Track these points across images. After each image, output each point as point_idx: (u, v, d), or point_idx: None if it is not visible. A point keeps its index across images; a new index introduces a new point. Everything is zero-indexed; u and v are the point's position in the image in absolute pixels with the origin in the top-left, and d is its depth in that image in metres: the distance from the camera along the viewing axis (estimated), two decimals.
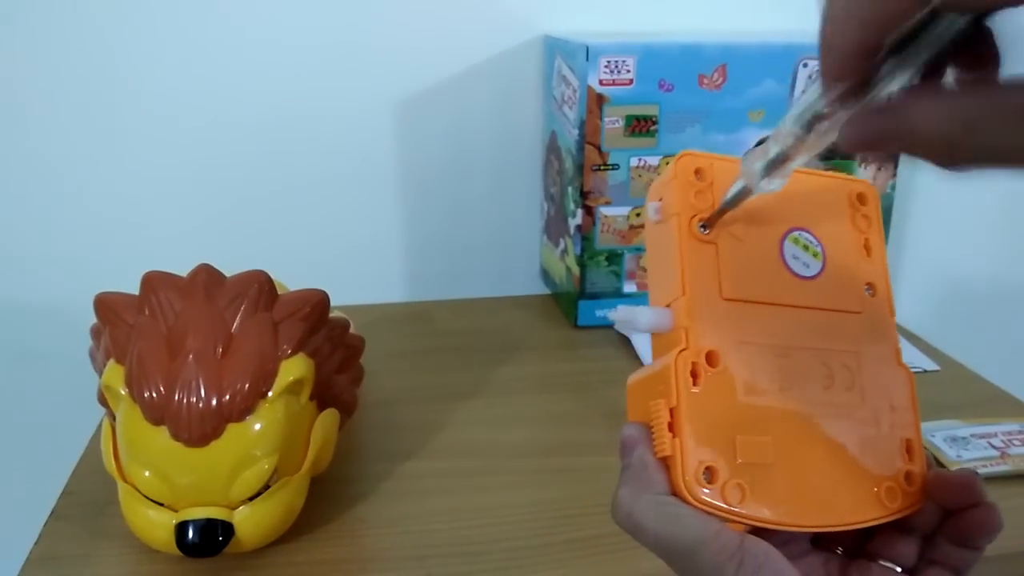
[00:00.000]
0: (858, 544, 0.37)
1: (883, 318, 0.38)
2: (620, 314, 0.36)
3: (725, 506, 0.32)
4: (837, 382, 0.36)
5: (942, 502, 0.35)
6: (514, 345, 0.85)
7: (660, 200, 0.38)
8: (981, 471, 0.62)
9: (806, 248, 0.39)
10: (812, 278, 0.38)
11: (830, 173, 0.40)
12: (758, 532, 0.32)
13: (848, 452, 0.35)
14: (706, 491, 0.32)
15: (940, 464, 0.63)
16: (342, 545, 0.56)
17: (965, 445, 0.65)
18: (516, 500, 0.60)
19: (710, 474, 0.32)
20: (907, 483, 0.36)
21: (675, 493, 0.32)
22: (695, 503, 0.32)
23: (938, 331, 0.88)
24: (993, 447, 0.64)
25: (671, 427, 0.33)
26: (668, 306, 0.36)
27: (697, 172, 0.37)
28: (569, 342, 0.86)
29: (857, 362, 0.37)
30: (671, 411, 0.33)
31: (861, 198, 0.40)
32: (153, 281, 0.54)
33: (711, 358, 0.34)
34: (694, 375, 0.34)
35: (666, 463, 0.33)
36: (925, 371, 0.80)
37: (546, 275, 0.98)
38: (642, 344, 0.82)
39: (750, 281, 0.37)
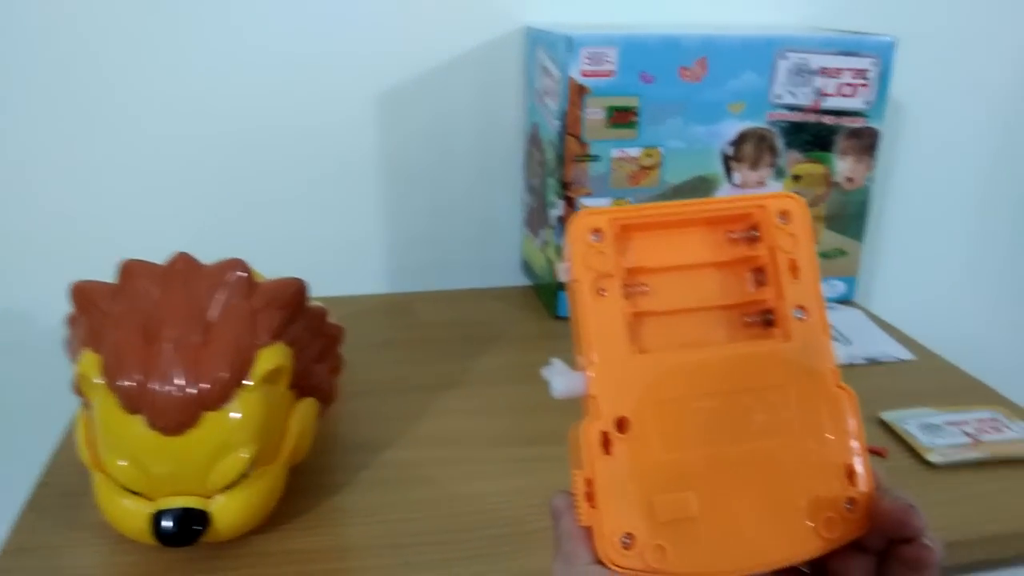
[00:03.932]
0: (818, 562, 0.36)
1: (816, 341, 0.37)
2: (546, 372, 0.36)
3: (647, 568, 0.33)
4: (767, 420, 0.35)
5: (880, 530, 0.35)
6: (495, 336, 0.85)
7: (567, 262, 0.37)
8: (955, 458, 0.63)
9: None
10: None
11: (751, 196, 0.38)
12: None
13: (780, 490, 0.35)
14: (627, 557, 0.33)
15: (916, 452, 0.64)
16: (320, 534, 0.56)
17: (938, 432, 0.66)
18: (494, 489, 0.60)
19: (630, 539, 0.33)
20: (850, 509, 0.35)
21: (599, 561, 0.33)
22: (618, 571, 0.33)
23: (914, 321, 0.89)
24: (966, 434, 0.65)
25: (589, 497, 0.34)
26: (583, 370, 0.35)
27: (595, 231, 0.36)
28: (549, 333, 0.86)
29: (787, 396, 0.36)
30: (587, 481, 0.34)
31: (785, 215, 0.37)
32: (130, 269, 0.54)
33: (622, 425, 0.34)
34: (605, 444, 0.34)
35: (589, 532, 0.33)
36: (900, 360, 0.81)
37: (527, 267, 0.98)
38: None
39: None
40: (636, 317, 0.36)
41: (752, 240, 0.38)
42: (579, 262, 0.36)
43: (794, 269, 0.37)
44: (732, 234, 0.38)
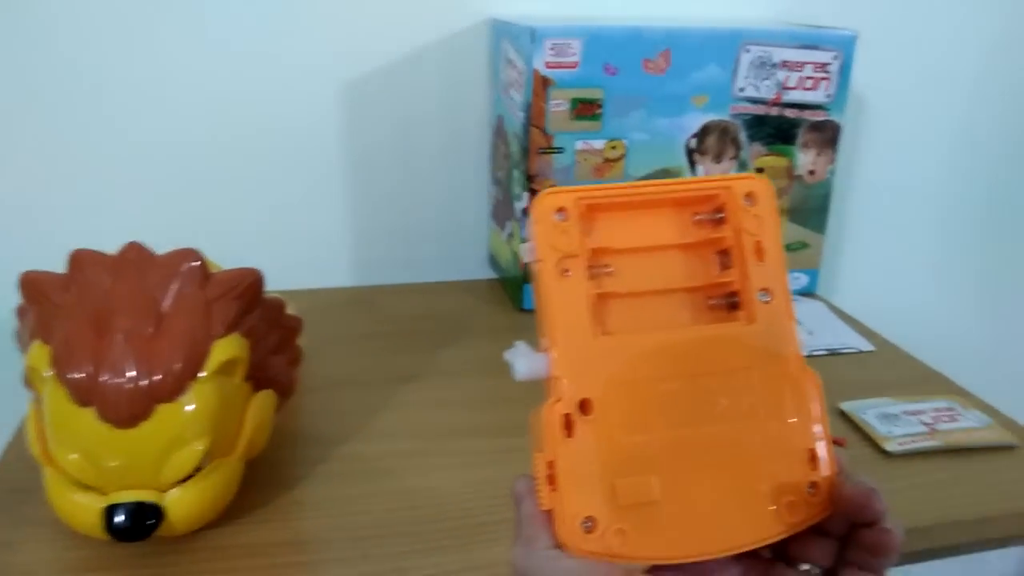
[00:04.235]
0: (780, 546, 0.36)
1: (781, 324, 0.37)
2: (509, 355, 0.35)
3: (608, 552, 0.33)
4: (730, 404, 0.35)
5: (841, 514, 0.35)
6: (459, 329, 0.85)
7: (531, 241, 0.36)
8: (911, 446, 0.63)
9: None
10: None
11: (717, 177, 0.38)
12: (672, 566, 0.34)
13: (742, 474, 0.35)
14: (587, 540, 0.33)
15: (873, 442, 0.65)
16: (278, 528, 0.55)
17: (896, 422, 0.66)
18: (454, 481, 0.60)
19: (591, 523, 0.33)
20: (812, 493, 0.35)
21: (560, 545, 0.33)
22: (578, 554, 0.33)
23: (874, 313, 0.90)
24: (923, 423, 0.66)
25: (550, 480, 0.33)
26: (546, 351, 0.35)
27: (560, 211, 0.35)
28: (515, 326, 0.86)
29: (751, 379, 0.36)
30: (549, 464, 0.33)
31: (751, 197, 0.37)
32: (81, 259, 0.52)
33: (585, 406, 0.34)
34: (568, 426, 0.34)
35: (550, 516, 0.33)
36: (861, 351, 0.82)
37: (494, 260, 0.98)
38: None
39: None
40: (600, 298, 0.36)
41: (718, 222, 0.37)
42: (543, 242, 0.35)
43: (759, 251, 0.37)
44: (698, 216, 0.38)
